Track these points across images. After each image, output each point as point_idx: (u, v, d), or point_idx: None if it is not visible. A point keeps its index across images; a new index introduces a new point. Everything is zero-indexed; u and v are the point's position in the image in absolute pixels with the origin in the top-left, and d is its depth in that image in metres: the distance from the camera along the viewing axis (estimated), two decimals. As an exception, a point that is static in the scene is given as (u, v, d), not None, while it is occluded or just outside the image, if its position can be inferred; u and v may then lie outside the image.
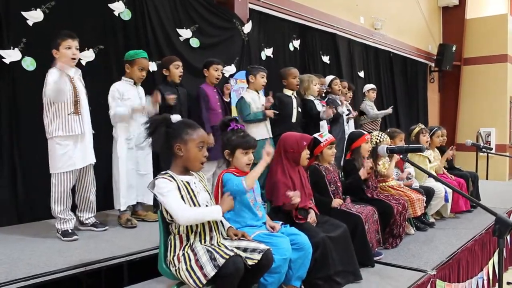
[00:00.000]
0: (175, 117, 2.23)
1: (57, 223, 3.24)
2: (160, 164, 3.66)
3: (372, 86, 6.56)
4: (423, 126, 4.87)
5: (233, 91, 5.39)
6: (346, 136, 4.15)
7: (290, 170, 2.90)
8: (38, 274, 2.45)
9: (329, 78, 5.69)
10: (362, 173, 3.44)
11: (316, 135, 3.41)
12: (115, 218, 3.71)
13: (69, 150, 3.17)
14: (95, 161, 3.38)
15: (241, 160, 2.58)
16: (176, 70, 3.98)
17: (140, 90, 3.75)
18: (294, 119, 4.53)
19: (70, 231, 3.21)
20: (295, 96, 4.65)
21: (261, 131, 4.29)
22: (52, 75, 3.06)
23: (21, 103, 3.68)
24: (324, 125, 4.90)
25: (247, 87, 4.48)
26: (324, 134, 3.48)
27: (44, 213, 3.54)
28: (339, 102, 5.42)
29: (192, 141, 2.17)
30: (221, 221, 2.30)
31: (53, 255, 2.78)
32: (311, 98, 4.88)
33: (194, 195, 2.18)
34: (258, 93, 4.42)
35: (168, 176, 2.17)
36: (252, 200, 2.63)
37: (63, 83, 3.05)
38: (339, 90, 5.61)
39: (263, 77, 4.39)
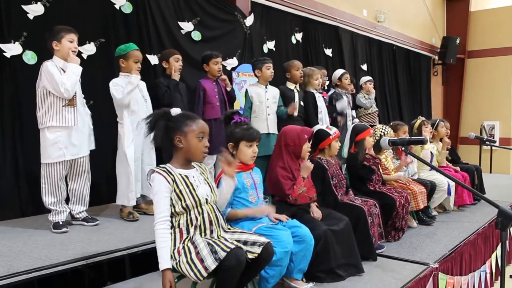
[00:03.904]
0: (175, 110, 2.21)
1: (50, 215, 3.25)
2: (162, 158, 3.65)
3: (368, 77, 6.36)
4: (423, 118, 4.83)
5: (235, 84, 5.37)
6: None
7: (291, 164, 2.88)
8: (40, 267, 2.45)
9: (339, 72, 5.57)
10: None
11: (323, 127, 3.39)
12: (117, 211, 3.71)
13: (60, 140, 3.17)
14: (88, 153, 3.35)
15: (245, 153, 2.56)
16: (176, 63, 3.97)
17: (141, 83, 3.70)
18: (296, 113, 4.51)
19: (61, 223, 3.21)
20: (297, 90, 4.62)
21: (261, 126, 4.25)
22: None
23: (23, 97, 3.67)
24: (323, 118, 4.86)
25: (257, 81, 4.45)
26: (332, 127, 3.47)
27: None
28: (344, 97, 5.37)
29: (192, 132, 2.17)
30: (221, 215, 2.29)
31: (55, 248, 2.78)
32: (313, 90, 4.85)
33: (193, 188, 2.16)
34: (266, 87, 4.41)
35: (165, 170, 2.16)
36: (254, 197, 2.61)
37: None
38: (349, 85, 5.55)
39: (269, 69, 4.37)
